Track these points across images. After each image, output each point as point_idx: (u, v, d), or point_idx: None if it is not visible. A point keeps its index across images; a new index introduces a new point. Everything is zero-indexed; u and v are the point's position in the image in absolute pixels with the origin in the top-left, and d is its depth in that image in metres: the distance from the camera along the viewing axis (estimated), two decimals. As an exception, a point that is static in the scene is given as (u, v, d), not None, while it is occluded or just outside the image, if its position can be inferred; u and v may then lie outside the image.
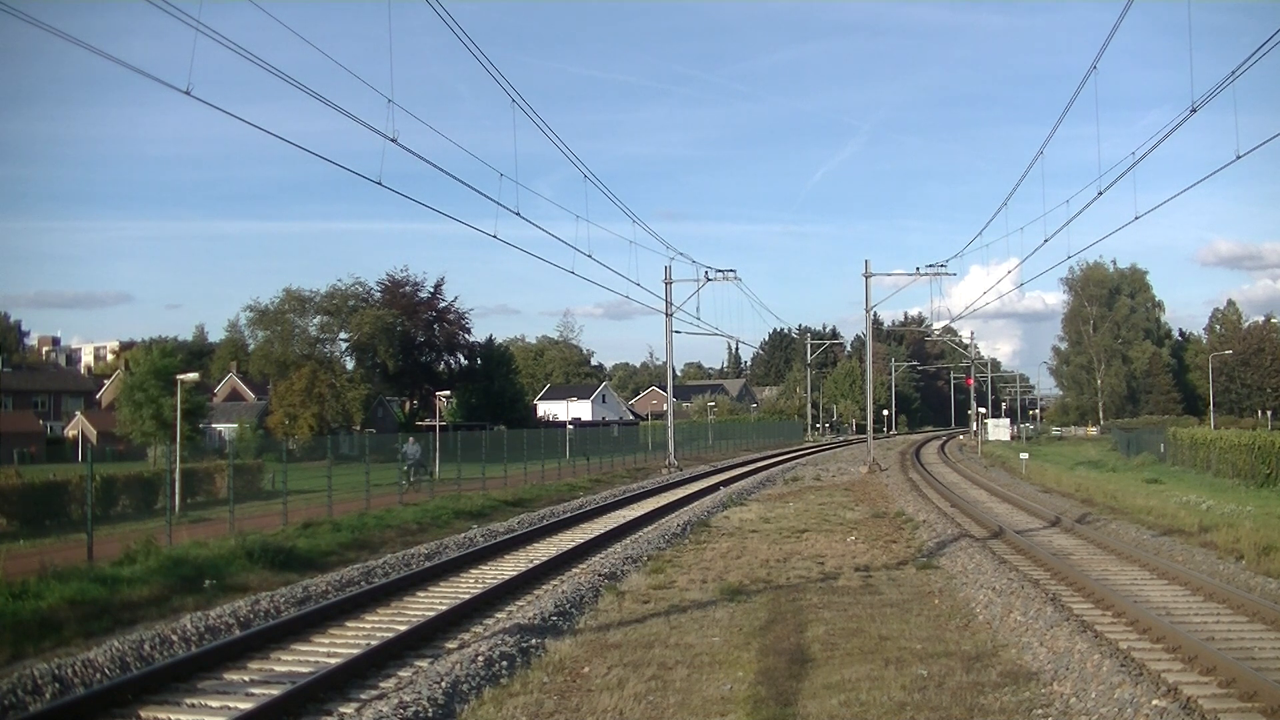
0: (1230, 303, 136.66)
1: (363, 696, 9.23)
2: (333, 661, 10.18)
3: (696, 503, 27.66)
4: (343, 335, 66.23)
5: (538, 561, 16.66)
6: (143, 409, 47.70)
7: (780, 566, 15.79)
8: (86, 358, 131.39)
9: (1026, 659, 9.91)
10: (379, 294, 70.34)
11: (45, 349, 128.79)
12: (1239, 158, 15.00)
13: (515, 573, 15.51)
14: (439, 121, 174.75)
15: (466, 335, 75.90)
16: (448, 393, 70.51)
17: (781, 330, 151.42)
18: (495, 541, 19.27)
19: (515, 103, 17.84)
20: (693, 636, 11.07)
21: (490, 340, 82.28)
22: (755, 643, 10.75)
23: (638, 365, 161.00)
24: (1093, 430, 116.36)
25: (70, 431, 75.98)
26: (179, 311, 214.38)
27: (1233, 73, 13.62)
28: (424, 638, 11.33)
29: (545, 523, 22.70)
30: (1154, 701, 7.98)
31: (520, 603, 13.58)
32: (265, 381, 73.43)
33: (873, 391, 52.69)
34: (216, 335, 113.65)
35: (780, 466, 47.72)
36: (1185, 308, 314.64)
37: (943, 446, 74.55)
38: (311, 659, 10.69)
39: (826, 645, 10.58)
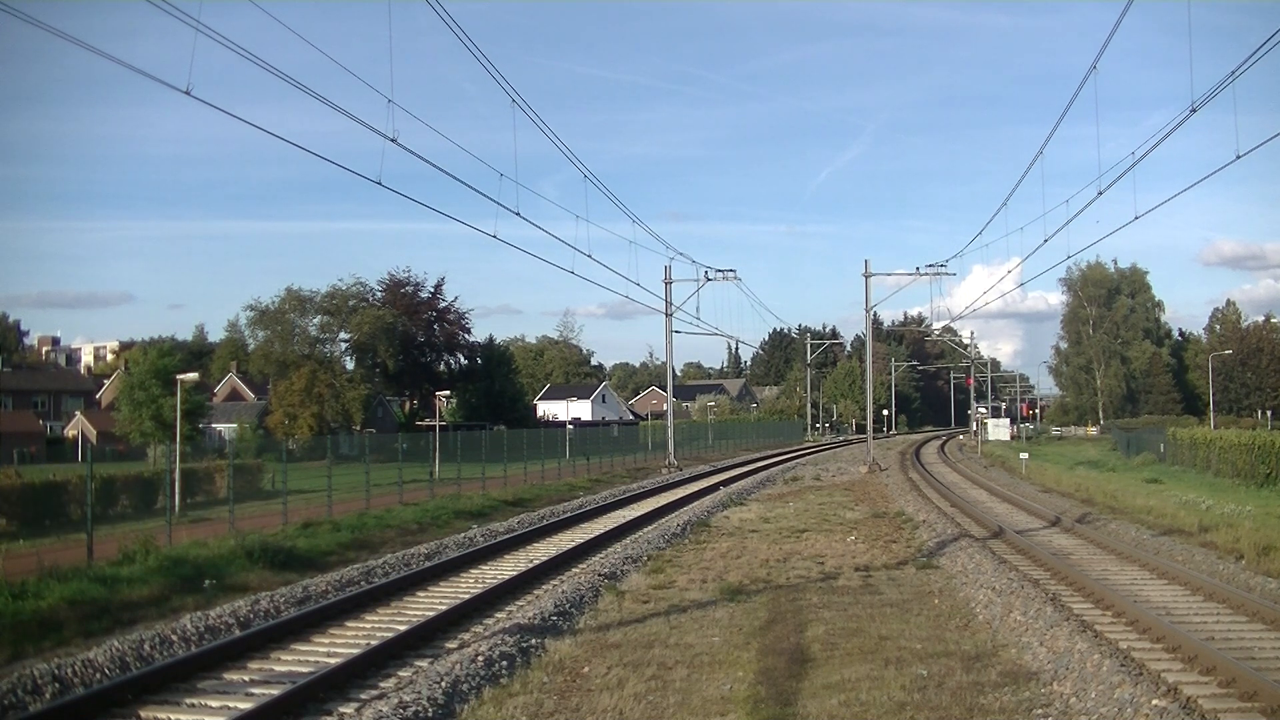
0: (1230, 302, 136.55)
1: (363, 696, 9.23)
2: (333, 661, 10.18)
3: (696, 503, 27.66)
4: (343, 335, 66.30)
5: (537, 561, 16.66)
6: (142, 409, 47.73)
7: (780, 566, 15.80)
8: (86, 358, 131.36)
9: (1026, 659, 9.91)
10: (379, 294, 70.41)
11: (45, 349, 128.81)
12: (1239, 157, 15.06)
13: (515, 573, 15.51)
14: (440, 122, 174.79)
15: (467, 335, 76.05)
16: (448, 393, 70.56)
17: (781, 330, 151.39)
18: (495, 541, 19.28)
19: (515, 103, 17.87)
20: (693, 636, 11.07)
21: (490, 340, 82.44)
22: (755, 642, 10.75)
23: (638, 365, 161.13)
24: (1092, 430, 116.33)
25: (70, 431, 75.97)
26: (180, 311, 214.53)
27: (1233, 73, 13.65)
28: (424, 638, 11.33)
29: (545, 522, 22.70)
30: (1154, 701, 7.98)
31: (520, 602, 13.59)
32: (265, 381, 73.41)
33: (873, 391, 52.69)
34: (216, 335, 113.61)
35: (780, 466, 47.72)
36: (1187, 308, 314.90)
37: (942, 446, 74.54)
38: (311, 659, 10.69)
39: (826, 645, 10.58)
